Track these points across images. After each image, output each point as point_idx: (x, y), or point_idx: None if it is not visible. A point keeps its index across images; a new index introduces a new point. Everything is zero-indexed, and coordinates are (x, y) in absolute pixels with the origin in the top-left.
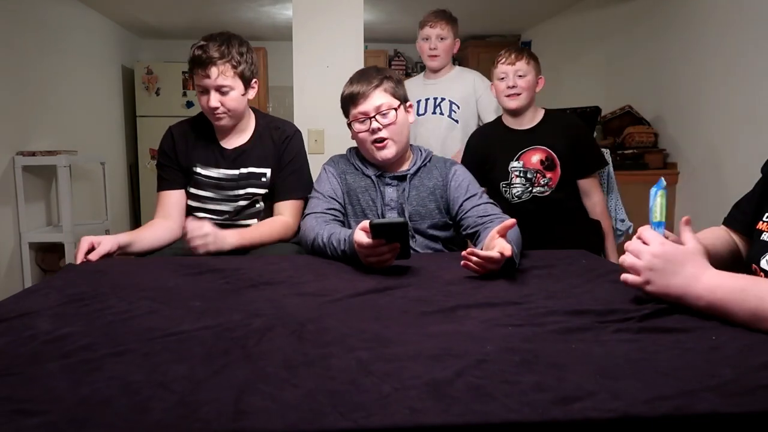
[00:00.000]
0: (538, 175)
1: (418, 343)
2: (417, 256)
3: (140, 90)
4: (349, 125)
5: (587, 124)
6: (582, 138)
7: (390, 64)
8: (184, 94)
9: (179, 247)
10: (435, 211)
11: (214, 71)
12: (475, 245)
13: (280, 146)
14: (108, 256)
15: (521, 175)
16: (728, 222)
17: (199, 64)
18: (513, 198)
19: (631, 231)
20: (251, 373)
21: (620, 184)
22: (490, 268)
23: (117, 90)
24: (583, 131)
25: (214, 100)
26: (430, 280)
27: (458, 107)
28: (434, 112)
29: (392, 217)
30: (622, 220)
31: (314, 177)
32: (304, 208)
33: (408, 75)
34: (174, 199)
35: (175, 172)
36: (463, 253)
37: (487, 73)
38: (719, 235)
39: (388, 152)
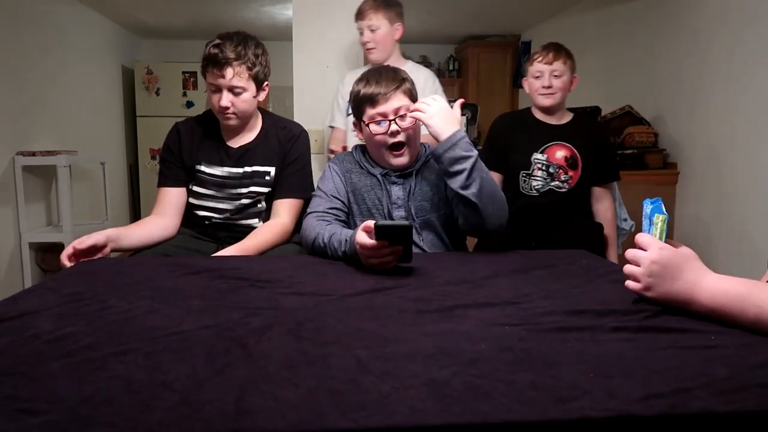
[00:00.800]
0: (560, 171)
1: (416, 342)
2: (417, 256)
3: (140, 90)
4: (359, 126)
5: None
6: (607, 146)
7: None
8: (184, 94)
9: (173, 244)
10: (440, 203)
11: (229, 72)
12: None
13: (285, 145)
14: (99, 251)
15: (543, 168)
16: None
17: (215, 62)
18: (531, 190)
19: (633, 229)
20: (252, 373)
21: (620, 184)
22: None
23: (117, 90)
24: (608, 140)
25: (226, 100)
26: (429, 280)
27: None
28: None
29: (398, 217)
30: (625, 219)
31: (314, 176)
32: (304, 208)
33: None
34: (171, 197)
35: (177, 169)
36: None
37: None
38: None
39: (404, 159)
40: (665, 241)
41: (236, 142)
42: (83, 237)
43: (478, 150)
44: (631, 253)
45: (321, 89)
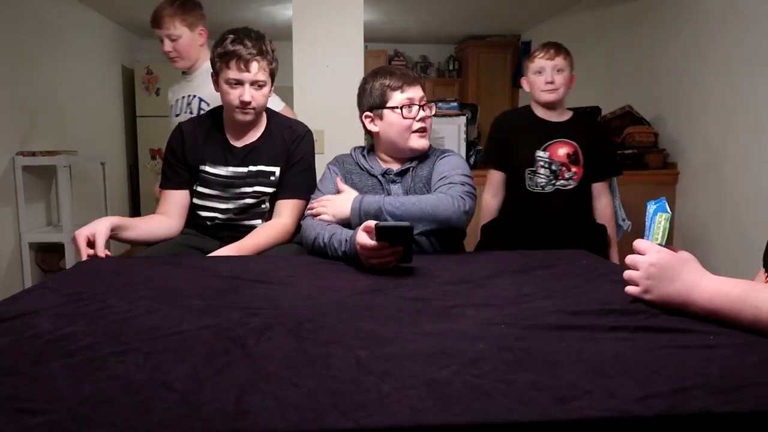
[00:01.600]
0: (563, 168)
1: (415, 342)
2: (417, 256)
3: (140, 90)
4: (379, 114)
5: None
6: (606, 142)
7: (390, 64)
8: None
9: (177, 242)
10: None
11: (254, 66)
12: None
13: (290, 145)
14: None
15: (546, 165)
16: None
17: (239, 57)
18: (536, 186)
19: (630, 230)
20: (252, 373)
21: (620, 184)
22: None
23: (117, 90)
24: (608, 137)
25: (248, 94)
26: (429, 280)
27: (207, 105)
28: (186, 112)
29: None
30: (624, 220)
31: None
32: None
33: (420, 76)
34: (174, 199)
35: (180, 171)
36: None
37: (488, 73)
38: None
39: (426, 142)
40: (665, 246)
41: (241, 141)
42: (88, 235)
43: (478, 150)
44: (630, 258)
45: (321, 89)
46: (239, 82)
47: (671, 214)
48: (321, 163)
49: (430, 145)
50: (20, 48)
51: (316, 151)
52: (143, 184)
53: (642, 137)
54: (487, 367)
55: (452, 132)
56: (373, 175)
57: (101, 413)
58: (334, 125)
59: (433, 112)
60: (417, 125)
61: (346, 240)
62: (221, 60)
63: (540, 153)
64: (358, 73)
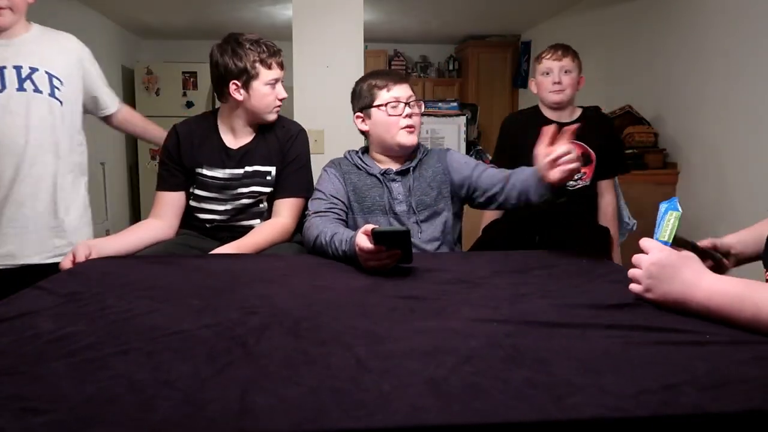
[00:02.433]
0: None
1: (409, 339)
2: (417, 256)
3: (140, 90)
4: (368, 113)
5: None
6: (615, 139)
7: (390, 64)
8: (184, 94)
9: (176, 242)
10: (438, 197)
11: (281, 64)
12: (496, 206)
13: (285, 144)
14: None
15: None
16: None
17: (274, 55)
18: None
19: (635, 229)
20: (254, 372)
21: (620, 184)
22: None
23: (117, 90)
24: (617, 134)
25: (283, 90)
26: (425, 279)
27: (62, 83)
28: (22, 89)
29: (401, 212)
30: (629, 218)
31: (314, 177)
32: (304, 208)
33: (408, 75)
34: (169, 201)
35: (176, 173)
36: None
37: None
38: None
39: (415, 138)
40: (672, 245)
41: (236, 143)
42: (89, 253)
43: (478, 150)
44: (635, 257)
45: (321, 89)
46: (276, 81)
47: (681, 213)
48: (321, 163)
49: (420, 144)
50: None
51: (316, 151)
52: (143, 185)
53: (642, 137)
54: (482, 365)
55: (452, 132)
56: (371, 174)
57: (105, 412)
58: (334, 125)
59: (422, 110)
60: (404, 122)
61: (347, 240)
62: (263, 63)
63: None
64: (358, 73)
